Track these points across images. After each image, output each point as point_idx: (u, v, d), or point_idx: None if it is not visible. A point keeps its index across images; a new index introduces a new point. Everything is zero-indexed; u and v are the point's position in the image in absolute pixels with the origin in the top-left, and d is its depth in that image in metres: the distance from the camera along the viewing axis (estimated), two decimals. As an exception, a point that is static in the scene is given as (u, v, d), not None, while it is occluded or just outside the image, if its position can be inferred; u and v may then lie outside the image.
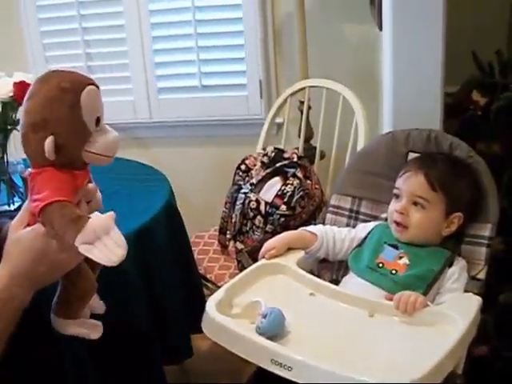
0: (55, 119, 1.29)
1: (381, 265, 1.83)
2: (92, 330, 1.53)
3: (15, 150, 3.01)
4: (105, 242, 1.25)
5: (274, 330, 1.52)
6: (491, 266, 1.86)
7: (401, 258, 1.83)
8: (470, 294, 1.75)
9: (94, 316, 1.57)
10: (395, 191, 1.89)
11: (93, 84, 1.34)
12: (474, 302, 1.70)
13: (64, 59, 3.47)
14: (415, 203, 1.84)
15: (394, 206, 1.88)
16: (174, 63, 3.43)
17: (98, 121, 1.34)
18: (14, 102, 2.24)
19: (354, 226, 2.04)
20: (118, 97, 3.51)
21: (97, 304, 1.60)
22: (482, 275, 1.84)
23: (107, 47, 3.45)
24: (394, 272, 1.80)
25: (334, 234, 1.97)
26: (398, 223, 1.85)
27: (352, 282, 1.87)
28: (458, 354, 1.58)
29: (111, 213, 1.29)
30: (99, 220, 1.27)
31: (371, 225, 1.99)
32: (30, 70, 3.41)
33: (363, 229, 1.98)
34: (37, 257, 1.32)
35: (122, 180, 2.51)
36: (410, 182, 1.86)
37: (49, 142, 1.28)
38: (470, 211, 1.87)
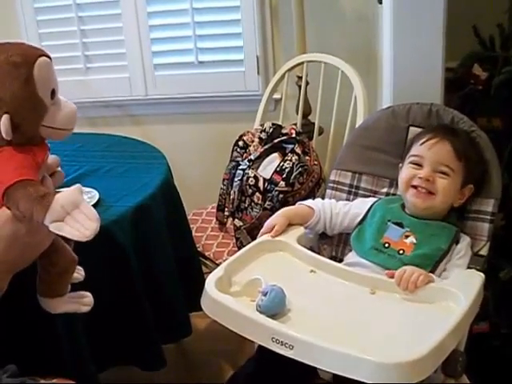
0: (9, 97, 1.23)
1: (387, 245, 1.80)
2: (81, 304, 1.50)
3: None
4: (75, 217, 1.19)
5: (275, 307, 1.51)
6: (492, 243, 1.84)
7: (407, 236, 1.80)
8: (473, 270, 1.74)
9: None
10: (415, 159, 1.85)
11: (44, 55, 1.28)
12: (477, 278, 1.69)
13: (58, 36, 3.42)
14: (441, 171, 1.80)
15: (413, 172, 1.83)
16: (170, 39, 3.38)
17: (53, 93, 1.29)
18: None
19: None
20: (113, 74, 3.47)
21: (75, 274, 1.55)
22: (484, 251, 1.82)
23: (102, 23, 3.39)
24: (401, 252, 1.77)
25: (330, 207, 1.95)
26: (421, 189, 1.80)
27: (355, 263, 1.83)
28: (460, 332, 1.57)
29: (78, 185, 1.24)
30: (66, 195, 1.21)
31: (370, 201, 1.96)
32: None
33: (361, 204, 1.96)
34: (7, 243, 1.27)
35: (118, 157, 2.50)
36: (436, 150, 1.82)
37: (4, 121, 1.22)
38: (478, 184, 1.85)
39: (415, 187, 1.82)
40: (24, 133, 1.26)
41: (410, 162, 1.86)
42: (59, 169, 1.47)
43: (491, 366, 2.32)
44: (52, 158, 1.41)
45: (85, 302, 1.52)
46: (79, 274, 1.56)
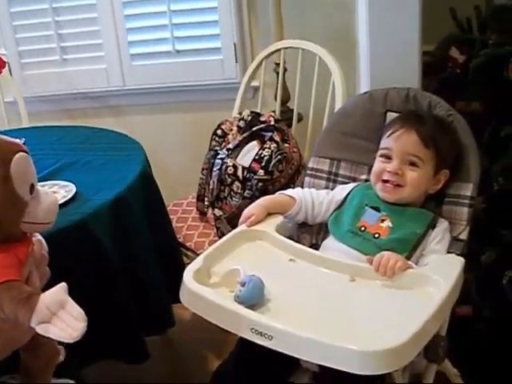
0: None
1: (363, 228, 1.80)
2: None
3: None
4: (62, 318, 1.18)
5: (254, 298, 1.50)
6: (473, 226, 1.84)
7: (383, 220, 1.80)
8: (453, 255, 1.74)
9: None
10: (384, 152, 1.85)
11: (21, 150, 1.25)
12: (457, 262, 1.69)
13: (32, 28, 3.39)
14: (410, 162, 1.80)
15: (382, 165, 1.83)
16: (147, 28, 3.35)
17: (32, 188, 1.27)
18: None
19: (332, 189, 2.01)
20: (90, 65, 3.44)
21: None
22: (464, 235, 1.82)
23: (77, 14, 3.35)
24: (376, 236, 1.77)
25: (312, 197, 1.94)
26: (390, 183, 1.80)
27: (332, 247, 1.84)
28: (441, 317, 1.57)
29: (62, 284, 1.21)
30: (51, 295, 1.19)
31: (350, 186, 1.95)
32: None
33: (341, 191, 1.95)
34: None
35: (96, 150, 2.48)
36: (402, 141, 1.81)
37: None
38: (454, 168, 1.85)
39: (384, 181, 1.82)
40: (4, 231, 1.23)
41: (380, 155, 1.86)
42: (45, 253, 1.43)
43: (475, 349, 2.32)
44: (36, 249, 1.37)
45: None
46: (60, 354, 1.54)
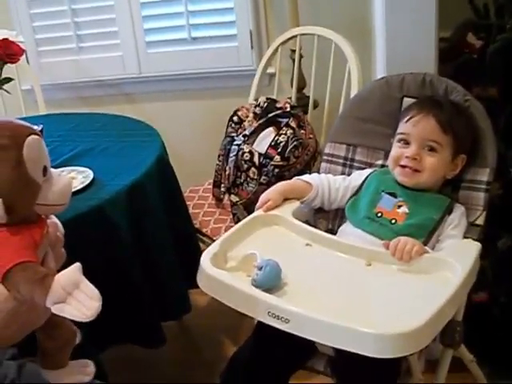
0: (0, 181, 1.20)
1: (380, 214, 1.80)
2: (84, 374, 1.49)
3: (5, 111, 2.99)
4: (76, 297, 1.17)
5: (270, 282, 1.50)
6: (489, 212, 1.83)
7: (400, 206, 1.80)
8: (469, 240, 1.73)
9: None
10: (402, 136, 1.84)
11: (33, 133, 1.24)
12: (474, 247, 1.68)
13: (49, 16, 3.41)
14: (428, 147, 1.79)
15: (400, 151, 1.83)
16: (162, 16, 3.36)
17: (45, 170, 1.26)
18: (-2, 60, 2.18)
19: (349, 174, 2.01)
20: (106, 53, 3.45)
21: None
22: (480, 221, 1.81)
23: (93, 2, 3.37)
24: (393, 222, 1.77)
25: (328, 183, 1.94)
26: (408, 168, 1.80)
27: (349, 233, 1.84)
28: (457, 302, 1.57)
29: (77, 264, 1.21)
30: (66, 275, 1.19)
31: (366, 172, 1.95)
32: (15, 27, 3.34)
33: (358, 177, 1.95)
34: (7, 320, 1.24)
35: (112, 136, 2.49)
36: (420, 127, 1.81)
37: None
38: (470, 154, 1.84)
39: (402, 166, 1.81)
40: (18, 214, 1.23)
41: (398, 140, 1.86)
42: (60, 235, 1.43)
43: (491, 335, 2.32)
44: (51, 231, 1.37)
45: (87, 371, 1.50)
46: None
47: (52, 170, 1.30)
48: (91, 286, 1.19)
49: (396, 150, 1.85)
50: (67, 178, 1.33)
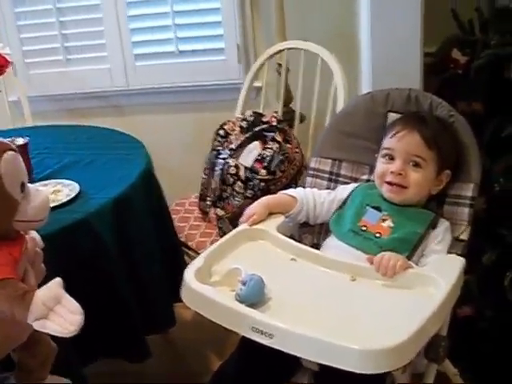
0: None
1: (364, 228, 1.81)
2: None
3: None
4: (58, 312, 1.17)
5: (254, 297, 1.50)
6: (474, 227, 1.84)
7: (384, 220, 1.80)
8: (454, 255, 1.74)
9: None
10: (387, 151, 1.85)
11: (10, 149, 1.23)
12: (458, 263, 1.69)
13: (37, 28, 3.41)
14: (413, 163, 1.80)
15: (385, 167, 1.84)
16: (150, 29, 3.36)
17: (22, 186, 1.26)
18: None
19: (334, 189, 2.02)
20: (93, 65, 3.45)
21: None
22: (464, 236, 1.82)
23: (81, 14, 3.37)
24: (378, 235, 1.78)
25: (313, 197, 1.95)
26: (393, 184, 1.81)
27: (334, 246, 1.84)
28: (441, 317, 1.57)
29: (58, 279, 1.21)
30: (47, 291, 1.19)
31: (351, 186, 1.96)
32: (2, 38, 3.34)
33: (343, 191, 1.96)
34: None
35: (99, 149, 2.48)
36: (405, 142, 1.81)
37: None
38: (455, 169, 1.85)
39: (389, 183, 1.82)
40: None
41: (382, 156, 1.86)
42: (39, 250, 1.42)
43: (476, 349, 2.33)
44: (30, 246, 1.36)
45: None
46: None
47: (29, 185, 1.29)
48: (72, 301, 1.19)
49: (381, 165, 1.86)
50: (45, 193, 1.33)
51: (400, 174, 1.80)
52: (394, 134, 1.84)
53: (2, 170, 1.20)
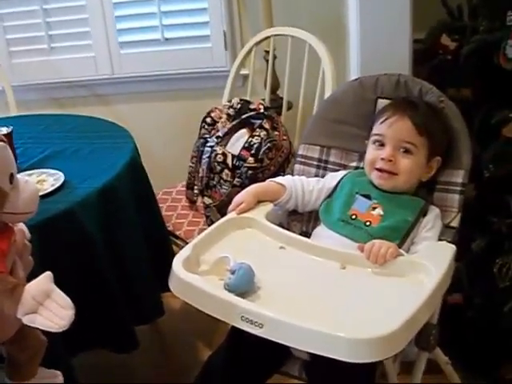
0: None
1: (354, 216, 1.79)
2: (54, 378, 1.46)
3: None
4: (48, 307, 1.15)
5: (243, 286, 1.49)
6: (463, 214, 1.83)
7: (374, 208, 1.79)
8: (444, 242, 1.73)
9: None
10: (377, 138, 1.83)
11: None
12: (448, 250, 1.68)
13: (20, 16, 3.36)
14: (404, 149, 1.79)
15: (376, 153, 1.82)
16: (135, 16, 3.32)
17: (11, 177, 1.23)
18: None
19: (322, 176, 2.01)
20: (78, 53, 3.41)
21: None
22: (455, 223, 1.81)
23: (65, 2, 3.32)
24: (367, 224, 1.76)
25: (302, 185, 1.93)
26: (384, 171, 1.79)
27: (324, 235, 1.83)
28: (432, 305, 1.56)
29: (48, 273, 1.18)
30: (37, 285, 1.17)
31: (340, 174, 1.94)
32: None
33: (332, 179, 1.94)
34: None
35: (84, 138, 2.46)
36: (396, 128, 1.80)
37: None
38: (445, 155, 1.84)
39: (379, 170, 1.80)
40: None
41: (372, 142, 1.85)
42: (27, 242, 1.39)
43: (466, 336, 2.32)
44: (18, 239, 1.34)
45: (57, 377, 1.48)
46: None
47: (18, 176, 1.27)
48: (63, 295, 1.16)
49: (371, 152, 1.84)
50: (34, 185, 1.30)
51: (390, 161, 1.78)
52: (384, 120, 1.82)
53: None
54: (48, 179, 2.07)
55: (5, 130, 2.17)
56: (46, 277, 1.18)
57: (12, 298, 1.15)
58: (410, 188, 1.82)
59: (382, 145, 1.81)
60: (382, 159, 1.79)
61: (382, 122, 1.83)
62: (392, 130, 1.80)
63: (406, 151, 1.78)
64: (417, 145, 1.78)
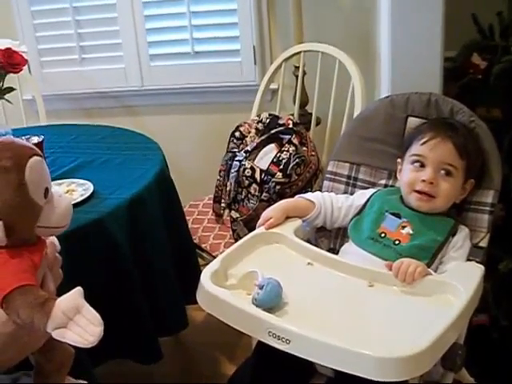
0: (1, 203, 1.18)
1: (383, 235, 1.78)
2: None
3: (5, 121, 2.98)
4: (78, 322, 1.14)
5: (271, 301, 1.48)
6: (491, 234, 1.82)
7: (404, 227, 1.78)
8: (473, 262, 1.72)
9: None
10: (417, 158, 1.81)
11: (35, 154, 1.22)
12: (477, 270, 1.66)
13: (53, 27, 3.40)
14: (445, 171, 1.77)
15: (416, 175, 1.80)
16: (166, 29, 3.34)
17: (46, 192, 1.24)
18: (1, 69, 2.16)
19: (351, 193, 2.00)
20: (108, 64, 3.44)
21: None
22: (484, 243, 1.80)
23: (97, 14, 3.36)
24: (397, 242, 1.75)
25: (331, 201, 1.92)
26: (424, 193, 1.78)
27: (352, 252, 1.82)
28: (460, 325, 1.55)
29: (79, 288, 1.18)
30: (67, 300, 1.16)
31: (369, 192, 1.94)
32: (18, 36, 3.34)
33: (361, 196, 1.93)
34: (6, 343, 1.22)
35: (113, 149, 2.48)
36: (438, 150, 1.78)
37: None
38: (478, 177, 1.83)
39: (418, 192, 1.79)
40: (19, 236, 1.21)
41: (412, 162, 1.83)
42: (58, 255, 1.41)
43: (491, 358, 2.31)
44: (49, 252, 1.35)
45: None
46: None
47: (53, 190, 1.28)
48: (93, 311, 1.17)
49: (411, 173, 1.82)
50: (68, 200, 1.31)
51: (431, 183, 1.77)
52: (426, 142, 1.80)
53: (27, 176, 1.19)
54: (77, 189, 2.09)
55: (36, 140, 2.19)
56: (77, 292, 1.18)
57: (42, 311, 1.15)
58: (445, 210, 1.81)
59: (422, 166, 1.80)
60: (423, 181, 1.77)
61: (422, 144, 1.81)
62: (434, 152, 1.78)
63: (447, 174, 1.77)
64: (457, 167, 1.77)
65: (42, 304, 1.16)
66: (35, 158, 1.22)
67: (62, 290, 1.29)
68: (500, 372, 2.28)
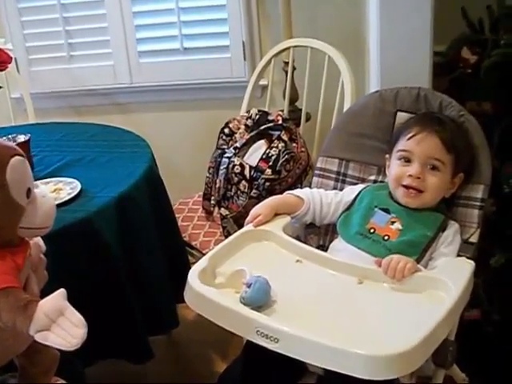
0: None
1: (372, 230, 1.78)
2: None
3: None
4: (61, 325, 1.14)
5: (259, 299, 1.47)
6: (482, 229, 1.81)
7: (393, 222, 1.77)
8: (463, 258, 1.71)
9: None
10: (404, 154, 1.81)
11: (17, 154, 1.21)
12: (467, 266, 1.65)
13: (40, 24, 3.38)
14: (431, 166, 1.76)
15: (402, 169, 1.79)
16: (155, 26, 3.32)
17: (28, 192, 1.22)
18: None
19: (341, 189, 1.99)
20: (97, 62, 3.42)
21: None
22: (474, 238, 1.79)
23: (85, 10, 3.34)
24: (386, 238, 1.75)
25: (320, 198, 1.91)
26: (411, 188, 1.77)
27: (341, 249, 1.81)
28: (451, 322, 1.54)
29: (62, 290, 1.17)
30: (50, 302, 1.15)
31: (358, 187, 1.93)
32: (5, 34, 3.32)
33: (350, 192, 1.92)
34: None
35: (102, 147, 2.47)
36: (424, 145, 1.77)
37: None
38: (467, 171, 1.82)
39: (405, 186, 1.78)
40: (1, 237, 1.20)
41: (399, 158, 1.82)
42: (42, 256, 1.39)
43: (483, 353, 2.30)
44: (33, 253, 1.33)
45: None
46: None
47: (37, 191, 1.26)
48: (76, 313, 1.15)
49: (397, 168, 1.82)
50: (51, 201, 1.30)
51: (418, 178, 1.76)
52: (412, 136, 1.79)
53: (8, 177, 1.17)
54: (65, 188, 2.07)
55: (22, 138, 2.18)
56: (60, 294, 1.17)
57: (25, 314, 1.14)
58: (434, 204, 1.80)
59: (409, 161, 1.79)
60: (410, 176, 1.76)
61: (409, 139, 1.80)
62: (420, 146, 1.77)
63: (434, 168, 1.76)
64: (444, 162, 1.76)
65: (24, 306, 1.14)
66: (17, 157, 1.20)
67: (48, 291, 1.27)
68: (492, 367, 2.27)
